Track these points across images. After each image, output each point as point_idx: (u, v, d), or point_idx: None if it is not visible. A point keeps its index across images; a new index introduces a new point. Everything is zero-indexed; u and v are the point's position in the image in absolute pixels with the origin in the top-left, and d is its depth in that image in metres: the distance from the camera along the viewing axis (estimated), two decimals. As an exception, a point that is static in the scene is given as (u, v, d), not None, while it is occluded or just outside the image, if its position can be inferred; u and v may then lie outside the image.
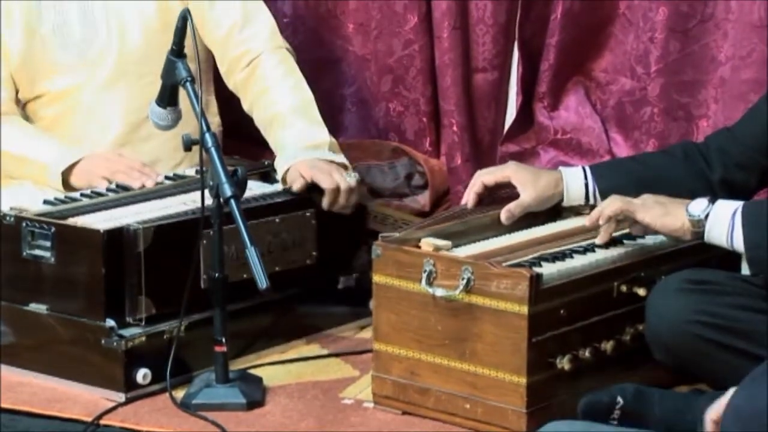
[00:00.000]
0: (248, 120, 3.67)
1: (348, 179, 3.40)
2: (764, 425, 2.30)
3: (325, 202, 3.37)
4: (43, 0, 3.63)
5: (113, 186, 3.44)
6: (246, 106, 3.66)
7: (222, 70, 3.69)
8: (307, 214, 3.41)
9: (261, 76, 3.61)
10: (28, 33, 3.64)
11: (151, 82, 3.56)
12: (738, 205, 2.79)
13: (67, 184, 3.51)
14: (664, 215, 2.86)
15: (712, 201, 2.82)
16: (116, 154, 3.56)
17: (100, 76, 3.65)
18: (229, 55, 3.66)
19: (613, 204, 2.92)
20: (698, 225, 2.81)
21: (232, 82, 3.68)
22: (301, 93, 3.61)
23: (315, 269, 3.43)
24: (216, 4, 3.64)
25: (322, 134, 3.53)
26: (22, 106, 3.72)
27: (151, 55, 3.60)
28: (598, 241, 2.99)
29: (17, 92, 3.70)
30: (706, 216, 2.80)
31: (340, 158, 3.50)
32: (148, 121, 3.57)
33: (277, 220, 3.34)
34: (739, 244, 2.77)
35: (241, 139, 3.88)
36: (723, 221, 2.79)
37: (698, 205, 2.82)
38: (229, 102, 3.78)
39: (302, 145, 3.49)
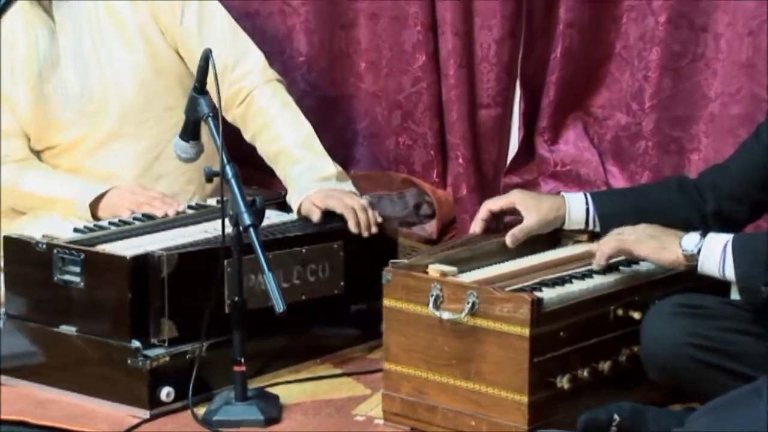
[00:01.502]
0: (251, 147, 3.65)
1: (359, 200, 3.41)
2: None
3: (351, 225, 3.36)
4: (42, 60, 3.62)
5: (138, 215, 3.45)
6: (247, 137, 3.64)
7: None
8: (335, 245, 3.40)
9: (259, 110, 3.60)
10: (31, 90, 3.62)
11: (152, 126, 3.60)
12: (728, 238, 2.78)
13: (95, 218, 3.51)
14: (659, 249, 2.86)
15: (704, 235, 2.81)
16: (139, 187, 3.57)
17: (103, 127, 3.64)
18: (223, 94, 3.62)
19: (609, 243, 2.92)
20: (691, 258, 2.81)
21: (230, 116, 3.64)
22: (302, 126, 3.59)
23: (342, 298, 3.42)
24: (203, 43, 3.55)
25: (329, 166, 3.52)
26: (36, 155, 3.72)
27: (148, 101, 3.62)
28: (594, 266, 2.99)
29: (29, 141, 3.69)
30: (699, 250, 2.81)
31: (349, 186, 3.51)
32: (158, 161, 3.61)
33: (304, 250, 3.33)
34: (730, 275, 2.76)
35: (243, 166, 3.83)
36: (715, 254, 2.79)
37: (691, 240, 2.81)
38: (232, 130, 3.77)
39: (311, 178, 3.49)
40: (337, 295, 3.41)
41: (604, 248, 2.93)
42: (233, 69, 3.61)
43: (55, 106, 3.64)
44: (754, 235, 2.93)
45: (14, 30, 3.59)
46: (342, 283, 3.42)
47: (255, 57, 3.66)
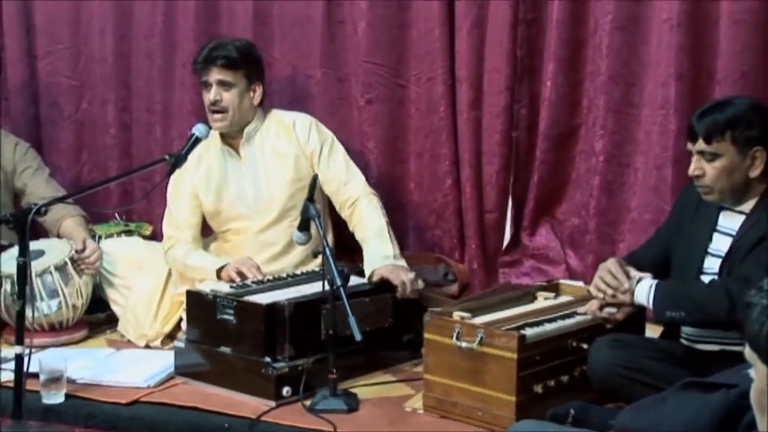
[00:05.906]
0: (345, 236, 3.68)
1: (408, 274, 3.40)
2: None
3: (398, 293, 3.36)
4: (229, 175, 3.67)
5: (270, 277, 3.43)
6: (350, 228, 3.64)
7: (336, 206, 3.68)
8: (387, 296, 3.39)
9: (358, 212, 3.60)
10: (218, 195, 3.67)
11: (294, 217, 3.59)
12: (656, 281, 2.83)
13: (218, 277, 3.52)
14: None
15: (643, 277, 2.86)
16: (245, 258, 3.53)
17: (265, 219, 3.66)
18: (338, 200, 3.65)
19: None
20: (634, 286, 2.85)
21: (343, 215, 3.66)
22: (380, 220, 3.58)
23: (391, 329, 3.39)
24: (330, 168, 3.63)
25: (389, 249, 3.49)
26: (215, 236, 3.76)
27: (293, 205, 3.62)
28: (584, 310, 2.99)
29: (208, 227, 3.73)
30: (638, 282, 2.84)
31: (401, 262, 3.49)
32: (293, 243, 3.59)
33: (367, 300, 3.32)
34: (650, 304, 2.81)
35: (337, 248, 3.81)
36: (644, 289, 2.82)
37: (635, 276, 2.87)
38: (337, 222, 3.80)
39: (377, 257, 3.47)
40: (386, 327, 3.37)
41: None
42: (345, 184, 3.64)
43: (236, 206, 3.67)
44: (671, 282, 2.92)
45: (211, 155, 3.68)
46: (390, 320, 3.39)
47: (359, 179, 3.68)
